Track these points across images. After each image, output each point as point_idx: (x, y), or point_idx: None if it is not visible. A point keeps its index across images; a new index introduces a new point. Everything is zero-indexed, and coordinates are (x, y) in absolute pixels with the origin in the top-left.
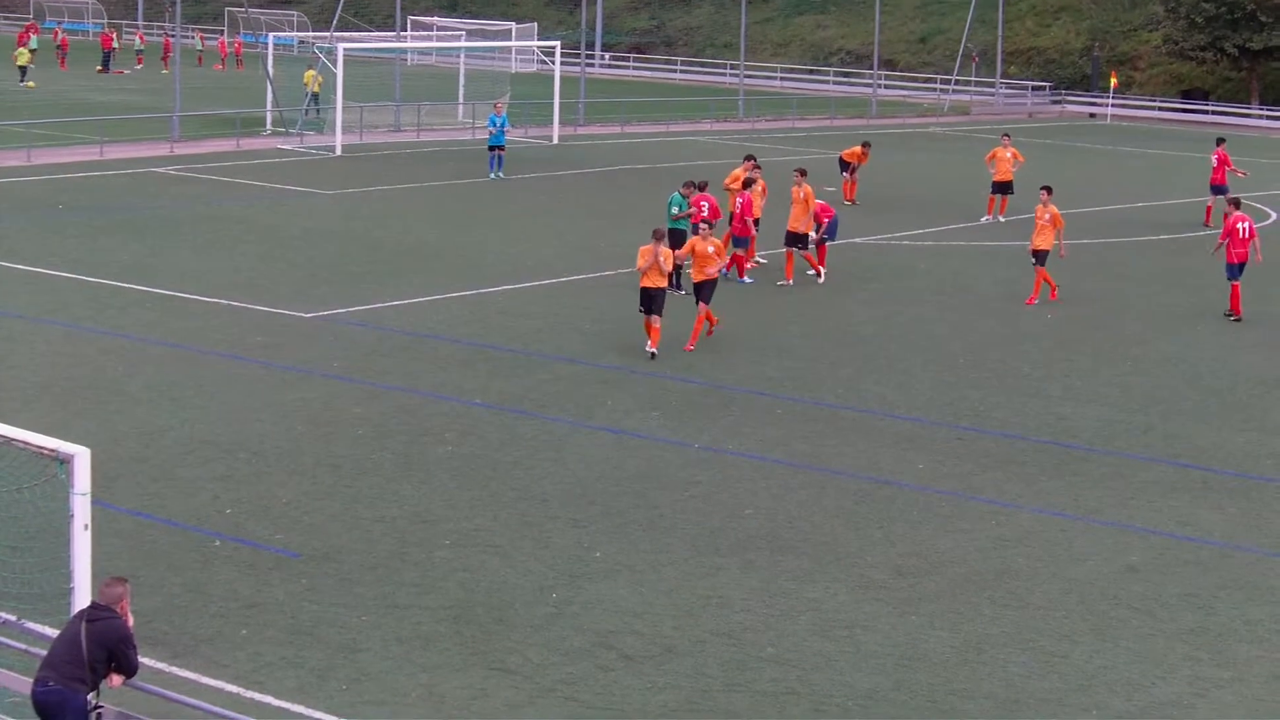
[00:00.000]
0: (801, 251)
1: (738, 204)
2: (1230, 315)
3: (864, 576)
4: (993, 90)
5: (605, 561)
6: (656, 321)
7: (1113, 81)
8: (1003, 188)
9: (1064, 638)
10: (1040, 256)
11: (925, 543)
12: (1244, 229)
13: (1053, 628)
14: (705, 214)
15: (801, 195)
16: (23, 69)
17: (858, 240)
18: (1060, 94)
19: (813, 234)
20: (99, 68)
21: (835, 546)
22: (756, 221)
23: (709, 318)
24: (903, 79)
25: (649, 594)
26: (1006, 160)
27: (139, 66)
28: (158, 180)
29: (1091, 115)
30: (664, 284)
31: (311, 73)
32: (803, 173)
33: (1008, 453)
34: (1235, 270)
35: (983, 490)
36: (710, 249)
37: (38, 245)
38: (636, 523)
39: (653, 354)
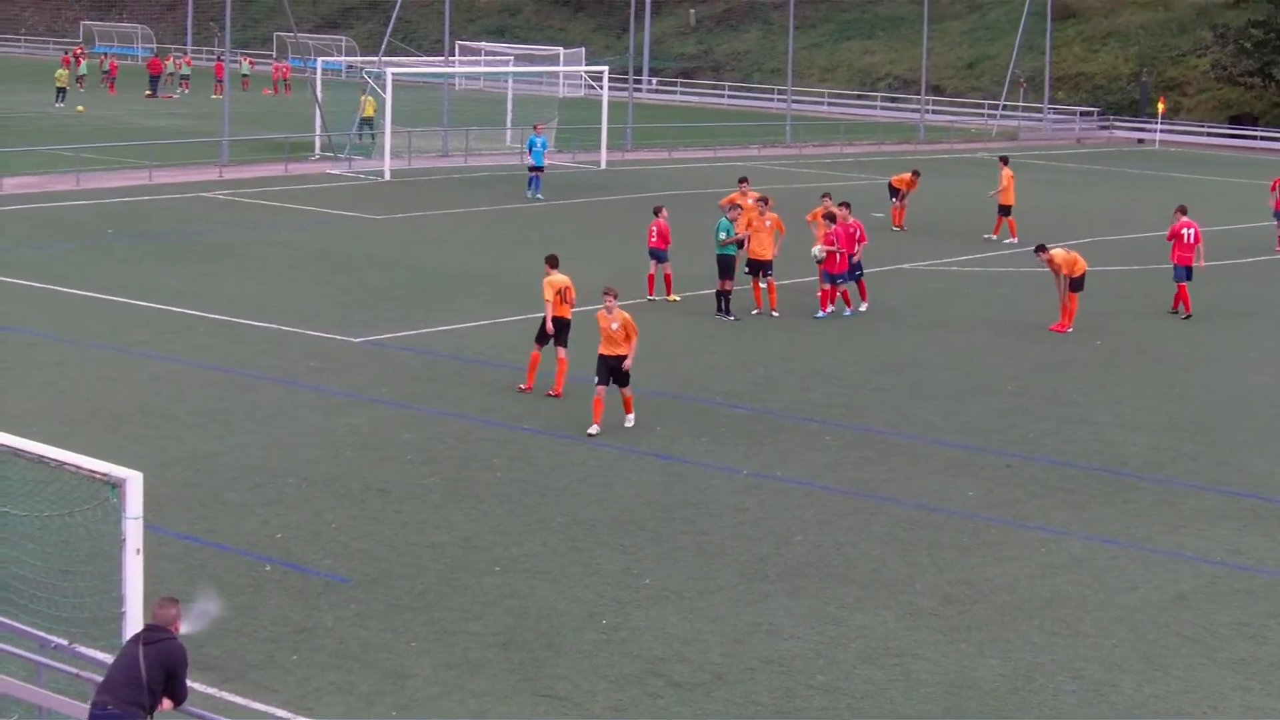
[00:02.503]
0: (767, 278)
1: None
2: (1175, 312)
3: (913, 604)
4: (1041, 116)
5: (654, 588)
6: (625, 392)
7: (1160, 107)
8: (1006, 210)
9: (1114, 666)
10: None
11: (974, 570)
12: (1189, 234)
13: (1103, 656)
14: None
15: (768, 223)
16: (60, 90)
17: (905, 266)
18: (1109, 119)
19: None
20: (147, 92)
21: (884, 573)
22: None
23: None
24: (950, 104)
25: (698, 621)
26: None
27: (184, 91)
28: (207, 205)
29: (1140, 141)
30: (623, 352)
31: (369, 98)
32: (766, 200)
33: (1057, 480)
34: (1182, 273)
35: (1032, 517)
36: (614, 326)
37: (87, 270)
38: (685, 549)
39: (592, 432)
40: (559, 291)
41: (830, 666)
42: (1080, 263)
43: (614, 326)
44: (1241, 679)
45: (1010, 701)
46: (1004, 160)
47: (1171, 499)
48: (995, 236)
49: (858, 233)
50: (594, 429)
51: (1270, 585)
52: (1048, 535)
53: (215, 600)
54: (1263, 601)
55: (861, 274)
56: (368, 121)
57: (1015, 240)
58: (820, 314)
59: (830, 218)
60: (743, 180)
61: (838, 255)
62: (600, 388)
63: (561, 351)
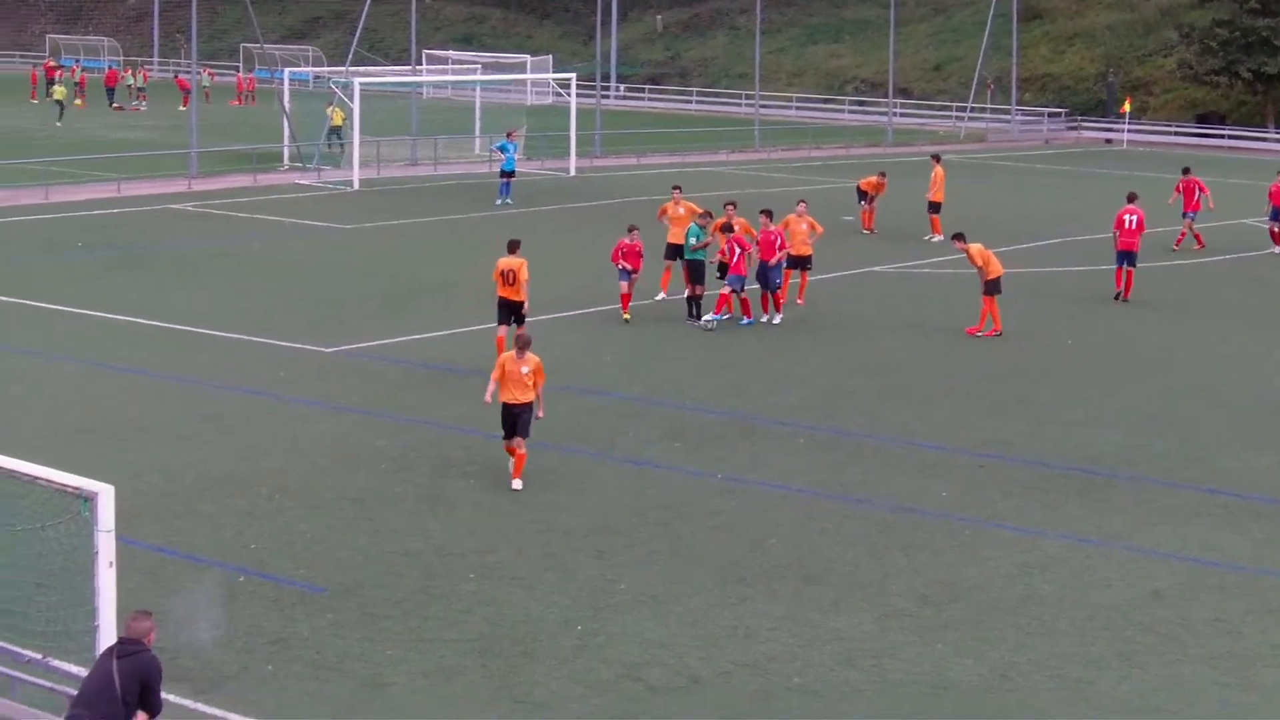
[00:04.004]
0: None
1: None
2: (1118, 297)
3: (889, 605)
4: (1009, 117)
5: (630, 593)
6: (521, 446)
7: (1125, 107)
8: (935, 207)
9: (1091, 664)
10: None
11: (950, 570)
12: (1131, 220)
13: (1079, 654)
14: (734, 253)
15: (680, 210)
16: (60, 104)
17: (876, 269)
18: (1076, 120)
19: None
20: (115, 105)
21: (860, 575)
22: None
23: (515, 456)
24: (918, 107)
25: (674, 625)
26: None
27: (140, 103)
28: (176, 217)
29: (1108, 141)
30: (529, 399)
31: (335, 108)
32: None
33: (1030, 479)
34: (1122, 257)
35: (1006, 517)
36: (524, 369)
37: (56, 283)
38: (660, 553)
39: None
40: (502, 273)
41: (807, 669)
42: (995, 264)
43: (524, 370)
44: (1218, 675)
45: (987, 701)
46: (936, 158)
47: (1145, 497)
48: (939, 237)
49: (778, 240)
50: (516, 484)
51: (1245, 581)
52: (1022, 535)
53: (217, 607)
54: (1238, 598)
55: (779, 286)
56: (336, 131)
57: (940, 237)
58: (710, 317)
59: (728, 228)
60: (676, 188)
61: (733, 259)
62: (507, 441)
63: (504, 329)
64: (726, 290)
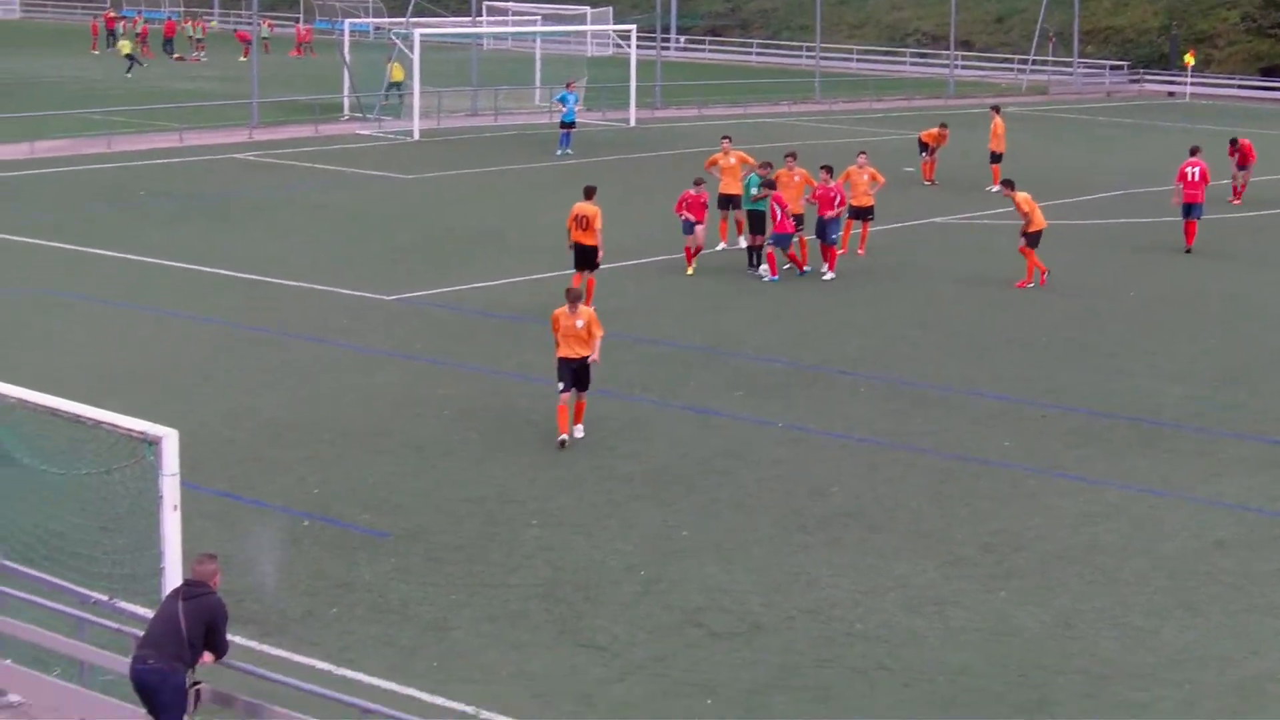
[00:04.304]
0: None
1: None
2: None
3: (952, 553)
4: (1070, 70)
5: (692, 540)
6: (581, 397)
7: (1188, 60)
8: (997, 158)
9: (1154, 613)
10: None
11: (1013, 519)
12: (1193, 173)
13: (1142, 603)
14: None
15: (796, 178)
16: (130, 57)
17: (938, 220)
18: (1139, 73)
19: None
20: (177, 55)
21: (922, 524)
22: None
23: (576, 406)
24: (980, 59)
25: (736, 572)
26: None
27: (200, 54)
28: (238, 166)
29: (1170, 94)
30: (586, 353)
31: (395, 64)
32: (795, 156)
33: (1094, 430)
34: (1187, 210)
35: (1069, 467)
36: (579, 323)
37: (121, 232)
38: (722, 502)
39: (564, 441)
40: (576, 218)
41: (869, 615)
42: (1039, 217)
43: (578, 324)
44: None
45: (1050, 649)
46: (996, 109)
47: (1209, 448)
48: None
49: (837, 196)
50: (564, 437)
51: None
52: (1085, 484)
53: (278, 550)
54: None
55: (835, 240)
56: (395, 85)
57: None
58: (769, 279)
59: (770, 185)
60: (725, 138)
61: (776, 219)
62: (565, 394)
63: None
64: (770, 249)
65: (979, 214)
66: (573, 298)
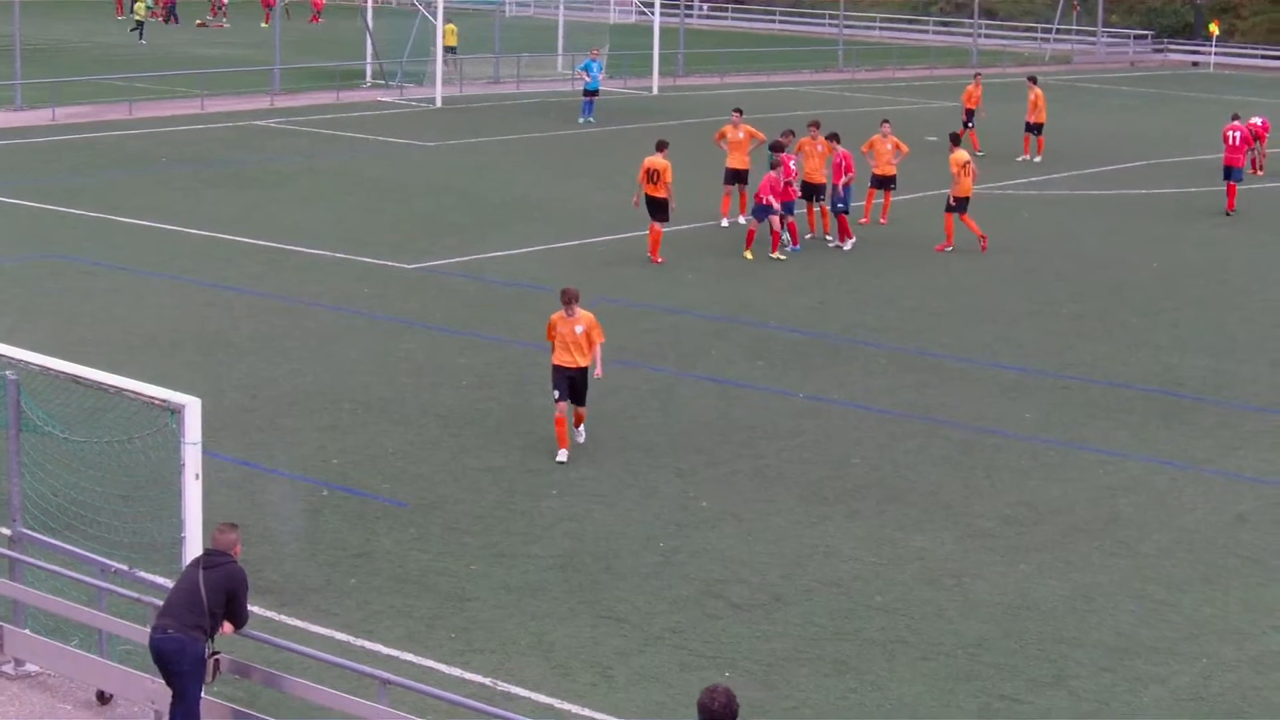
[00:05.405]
0: (819, 203)
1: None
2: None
3: (971, 525)
4: (1094, 39)
5: (711, 511)
6: (579, 410)
7: (1213, 29)
8: (1036, 129)
9: (1174, 586)
10: None
11: (1033, 492)
12: (1234, 136)
13: (1162, 576)
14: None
15: (819, 148)
16: (140, 24)
17: None
18: (1163, 43)
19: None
20: (198, 21)
21: (942, 495)
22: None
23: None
24: (1003, 28)
25: (756, 543)
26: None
27: (223, 18)
28: (259, 133)
29: (1195, 64)
30: (585, 363)
31: (450, 26)
32: (817, 125)
33: (1115, 402)
34: (1226, 173)
35: (1090, 439)
36: (578, 329)
37: (142, 198)
38: (742, 472)
39: (563, 459)
40: (647, 171)
41: (889, 587)
42: (968, 183)
43: (577, 330)
44: None
45: (1070, 621)
46: (1033, 80)
47: (1231, 421)
48: (1028, 157)
49: (844, 163)
50: (562, 455)
51: None
52: (1106, 457)
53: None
54: None
55: (845, 209)
56: (451, 50)
57: (1039, 159)
58: (791, 249)
59: (776, 165)
60: (736, 110)
61: (780, 185)
62: (561, 404)
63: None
64: (752, 223)
65: (1005, 184)
66: (568, 299)
